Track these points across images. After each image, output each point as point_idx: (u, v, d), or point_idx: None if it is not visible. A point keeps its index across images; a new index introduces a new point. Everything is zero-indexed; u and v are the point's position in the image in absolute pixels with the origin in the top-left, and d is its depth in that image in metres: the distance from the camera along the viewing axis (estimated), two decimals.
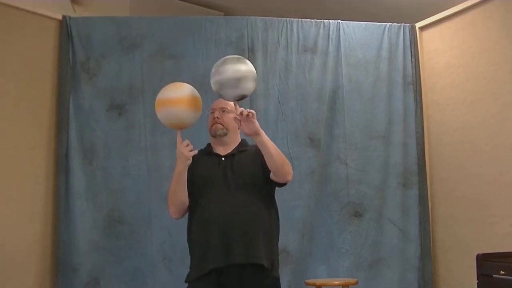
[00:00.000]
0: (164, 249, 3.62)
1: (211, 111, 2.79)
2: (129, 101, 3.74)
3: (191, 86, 2.67)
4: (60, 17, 3.73)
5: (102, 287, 3.55)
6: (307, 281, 3.48)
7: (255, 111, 3.74)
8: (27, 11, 3.56)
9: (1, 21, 3.44)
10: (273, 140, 3.75)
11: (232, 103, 2.76)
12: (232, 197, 2.62)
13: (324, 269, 3.80)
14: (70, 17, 3.75)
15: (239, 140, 2.84)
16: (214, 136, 2.75)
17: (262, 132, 2.64)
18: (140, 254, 3.61)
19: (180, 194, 2.66)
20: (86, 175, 3.64)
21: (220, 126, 2.73)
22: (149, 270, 3.60)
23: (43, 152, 3.59)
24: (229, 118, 2.74)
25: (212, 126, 2.75)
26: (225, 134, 2.74)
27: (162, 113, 2.60)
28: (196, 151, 2.61)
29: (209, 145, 2.82)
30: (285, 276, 3.67)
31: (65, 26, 3.71)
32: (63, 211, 3.55)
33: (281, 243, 3.58)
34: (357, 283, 3.43)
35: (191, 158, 2.58)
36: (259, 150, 2.77)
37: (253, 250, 2.58)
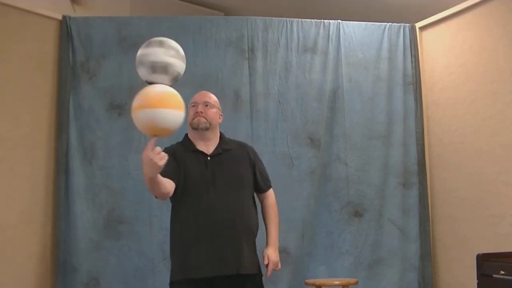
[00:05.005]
0: (164, 249, 3.62)
1: (192, 104, 2.73)
2: (129, 101, 3.66)
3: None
4: (60, 17, 3.73)
5: (102, 287, 3.55)
6: (307, 281, 3.48)
7: (255, 111, 3.83)
8: (27, 11, 3.56)
9: (1, 21, 3.44)
10: (273, 140, 3.82)
11: (213, 97, 2.77)
12: (223, 202, 2.60)
13: (324, 269, 3.80)
14: (70, 17, 3.75)
15: (219, 135, 2.78)
16: (196, 128, 2.68)
17: (277, 246, 2.77)
18: (140, 254, 3.61)
19: (159, 189, 2.45)
20: (86, 175, 3.64)
21: (203, 120, 2.67)
22: (149, 270, 3.60)
23: (43, 152, 3.59)
24: (212, 112, 2.71)
25: (194, 119, 2.68)
26: (207, 129, 2.69)
27: (134, 121, 2.29)
28: (167, 157, 2.32)
29: (187, 138, 2.75)
30: (285, 276, 3.67)
31: (65, 26, 3.71)
32: (63, 211, 3.55)
33: (281, 243, 3.58)
34: (357, 283, 3.43)
35: (161, 167, 2.32)
36: (247, 152, 2.80)
37: (243, 261, 2.59)
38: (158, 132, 2.27)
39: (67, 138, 3.62)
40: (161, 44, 2.32)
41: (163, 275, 3.59)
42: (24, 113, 3.52)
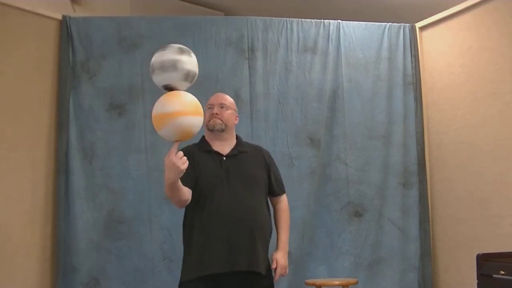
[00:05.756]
0: (164, 249, 3.62)
1: (208, 106, 2.77)
2: (129, 101, 3.74)
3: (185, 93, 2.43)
4: (60, 17, 3.73)
5: (102, 287, 3.55)
6: (307, 281, 3.48)
7: (255, 111, 3.84)
8: (27, 11, 3.56)
9: (1, 21, 3.44)
10: (273, 140, 3.82)
11: (229, 98, 2.81)
12: (237, 201, 2.62)
13: (324, 269, 3.80)
14: (70, 17, 3.75)
15: (235, 137, 2.83)
16: (212, 130, 2.72)
17: (287, 250, 2.79)
18: (140, 254, 3.61)
19: (178, 196, 2.53)
20: (86, 175, 3.63)
21: (219, 121, 2.71)
22: (149, 270, 3.60)
23: (43, 152, 3.59)
24: (228, 114, 2.74)
25: (210, 120, 2.72)
26: (223, 130, 2.72)
27: (169, 126, 2.33)
28: (187, 163, 2.41)
29: (204, 139, 2.80)
30: (285, 276, 3.67)
31: (65, 26, 3.71)
32: (63, 211, 3.55)
33: None
34: (357, 283, 3.43)
35: (184, 171, 2.41)
36: (262, 155, 2.82)
37: (255, 258, 2.60)
38: (183, 137, 2.39)
39: (67, 138, 3.62)
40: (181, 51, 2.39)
41: (163, 275, 3.60)
42: (24, 113, 3.52)
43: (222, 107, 2.74)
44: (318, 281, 3.46)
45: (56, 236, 3.54)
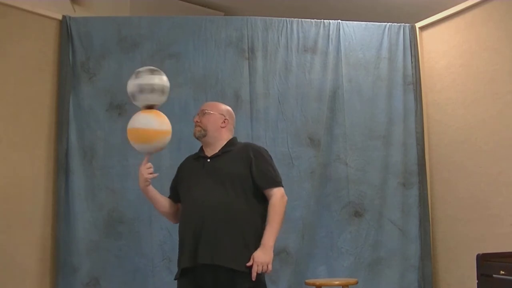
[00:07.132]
0: (164, 249, 3.62)
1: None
2: (129, 101, 3.71)
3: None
4: (60, 17, 3.73)
5: (102, 287, 3.55)
6: (307, 281, 3.48)
7: (255, 111, 3.83)
8: (27, 11, 3.56)
9: (1, 21, 3.44)
10: (273, 140, 3.82)
11: (216, 105, 2.92)
12: (206, 197, 2.67)
13: (324, 269, 3.80)
14: (70, 17, 3.75)
15: (227, 138, 2.86)
16: (196, 138, 2.86)
17: (270, 246, 2.66)
18: (140, 254, 3.61)
19: (158, 208, 2.89)
20: (86, 175, 3.64)
21: (198, 128, 2.83)
22: (149, 270, 3.60)
23: (43, 152, 3.59)
24: (207, 119, 2.82)
25: (194, 129, 2.86)
26: (204, 135, 2.82)
27: (159, 143, 2.76)
28: (156, 175, 2.78)
29: (201, 147, 2.92)
30: (285, 276, 3.68)
31: (65, 26, 3.71)
32: (63, 211, 3.55)
33: (281, 243, 3.59)
34: (357, 283, 3.43)
35: (149, 181, 2.76)
36: (247, 151, 2.80)
37: (219, 252, 2.60)
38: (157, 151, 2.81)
39: (67, 138, 3.62)
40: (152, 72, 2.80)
41: (163, 275, 3.60)
42: (24, 113, 3.52)
43: (204, 113, 2.84)
44: (318, 281, 3.45)
45: (56, 236, 3.54)
